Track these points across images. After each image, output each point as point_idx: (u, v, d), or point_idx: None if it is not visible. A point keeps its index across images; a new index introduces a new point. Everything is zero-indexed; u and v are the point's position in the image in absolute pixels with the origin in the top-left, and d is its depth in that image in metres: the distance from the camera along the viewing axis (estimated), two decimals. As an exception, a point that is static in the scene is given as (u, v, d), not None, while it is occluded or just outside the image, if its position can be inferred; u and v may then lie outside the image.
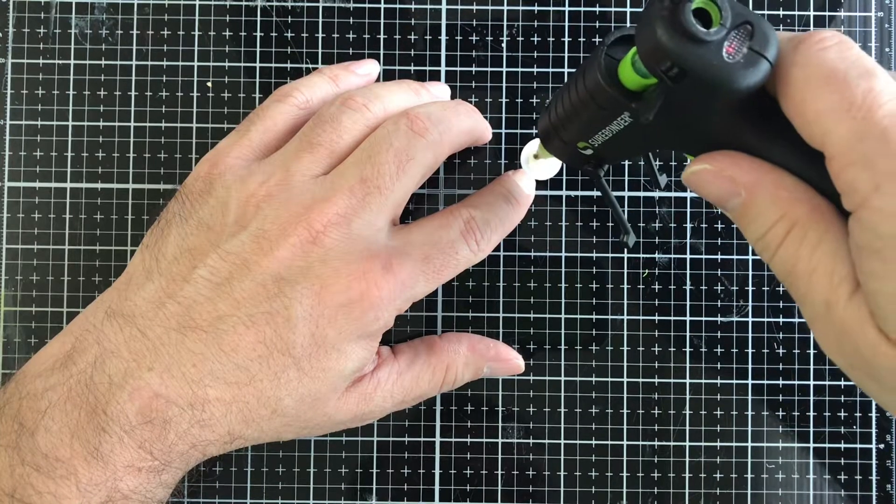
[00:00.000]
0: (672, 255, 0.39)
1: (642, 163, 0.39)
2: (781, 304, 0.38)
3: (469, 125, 0.35)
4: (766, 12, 0.39)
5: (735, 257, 0.38)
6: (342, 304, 0.30)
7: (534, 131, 0.39)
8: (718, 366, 0.38)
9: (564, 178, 0.39)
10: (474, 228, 0.34)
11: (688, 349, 0.38)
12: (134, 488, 0.30)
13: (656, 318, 0.39)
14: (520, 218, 0.36)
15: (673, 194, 0.39)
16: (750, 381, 0.38)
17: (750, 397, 0.38)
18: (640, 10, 0.39)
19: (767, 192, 0.23)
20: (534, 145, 0.38)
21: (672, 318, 0.39)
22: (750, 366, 0.38)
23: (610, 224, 0.39)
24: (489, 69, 0.39)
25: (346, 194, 0.30)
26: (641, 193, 0.39)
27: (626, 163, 0.39)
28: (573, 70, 0.39)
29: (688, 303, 0.39)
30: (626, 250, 0.39)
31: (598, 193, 0.39)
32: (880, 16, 0.39)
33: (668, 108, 0.23)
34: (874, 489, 0.38)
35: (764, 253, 0.23)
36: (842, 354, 0.22)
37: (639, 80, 0.23)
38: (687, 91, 0.21)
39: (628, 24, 0.39)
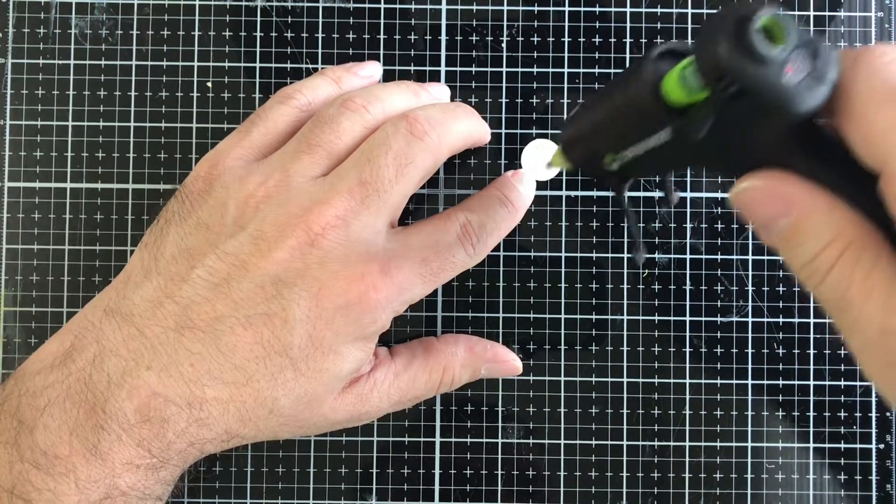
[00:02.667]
0: (672, 255, 0.39)
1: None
2: (781, 304, 0.38)
3: (468, 128, 0.35)
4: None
5: (735, 257, 0.38)
6: (340, 307, 0.30)
7: (532, 134, 0.39)
8: (718, 366, 0.38)
9: (564, 178, 0.39)
10: (471, 232, 0.34)
11: (688, 349, 0.38)
12: (132, 485, 0.30)
13: (656, 318, 0.39)
14: (517, 221, 0.36)
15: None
16: (750, 381, 0.38)
17: (750, 397, 0.38)
18: (640, 10, 0.39)
19: (821, 213, 0.21)
20: (535, 145, 0.38)
21: (672, 318, 0.39)
22: (750, 366, 0.38)
23: (610, 224, 0.38)
24: (489, 69, 0.39)
25: (345, 196, 0.30)
26: (641, 193, 0.38)
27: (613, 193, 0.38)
28: (573, 70, 0.39)
29: (688, 303, 0.39)
30: (626, 250, 0.38)
31: (619, 210, 0.38)
32: (880, 16, 0.39)
33: (716, 127, 0.22)
34: (874, 489, 0.38)
35: (811, 278, 0.22)
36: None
37: (684, 96, 0.22)
38: (742, 110, 0.21)
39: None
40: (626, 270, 0.39)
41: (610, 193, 0.38)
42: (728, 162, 0.24)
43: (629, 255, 0.38)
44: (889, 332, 0.20)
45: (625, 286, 0.39)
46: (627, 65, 0.39)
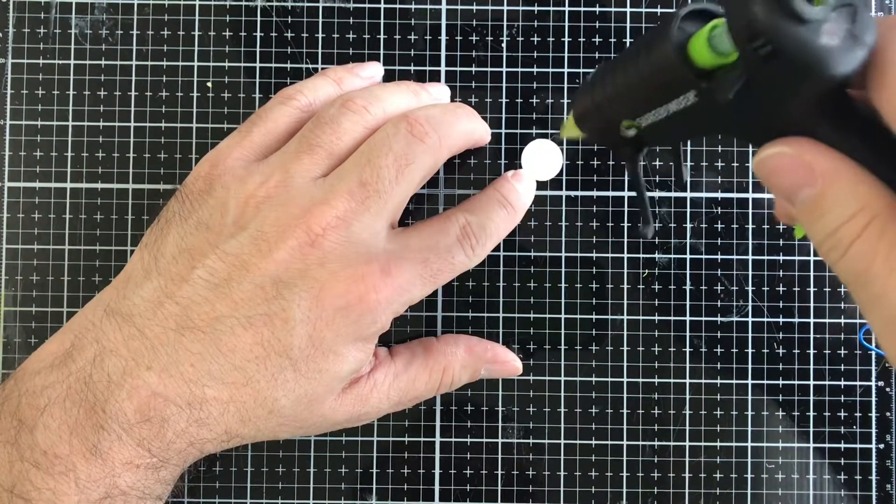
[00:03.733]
0: (672, 255, 0.39)
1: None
2: (781, 304, 0.38)
3: (468, 128, 0.35)
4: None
5: (735, 257, 0.38)
6: (340, 308, 0.30)
7: (532, 134, 0.39)
8: (718, 366, 0.38)
9: (564, 178, 0.39)
10: (470, 233, 0.34)
11: (688, 349, 0.38)
12: (132, 484, 0.30)
13: (656, 318, 0.39)
14: (516, 222, 0.36)
15: (673, 194, 0.38)
16: (750, 381, 0.38)
17: (750, 397, 0.38)
18: (640, 9, 0.39)
19: (847, 183, 0.21)
20: (535, 145, 0.38)
21: (672, 318, 0.39)
22: (750, 366, 0.38)
23: (610, 224, 0.38)
24: (489, 69, 0.39)
25: (346, 197, 0.30)
26: (648, 193, 0.38)
27: (625, 163, 0.38)
28: (573, 70, 0.39)
29: (688, 303, 0.39)
30: (625, 250, 0.38)
31: (628, 181, 0.38)
32: (880, 16, 0.39)
33: (743, 91, 0.21)
34: (874, 489, 0.38)
35: (833, 251, 0.21)
36: None
37: (712, 58, 0.22)
38: (772, 74, 0.20)
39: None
40: (626, 270, 0.39)
41: (610, 193, 0.38)
42: (752, 128, 0.23)
43: (640, 230, 0.38)
44: None
45: (625, 286, 0.39)
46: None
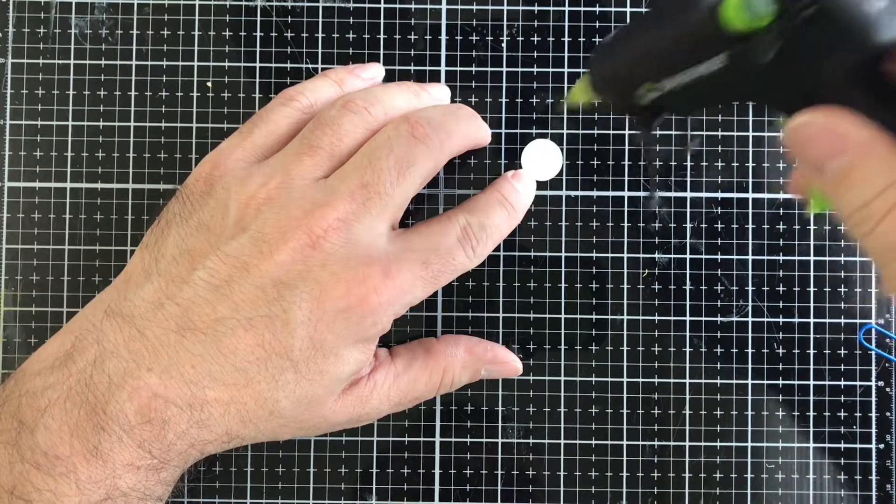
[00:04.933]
0: (672, 255, 0.39)
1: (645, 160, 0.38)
2: (781, 304, 0.38)
3: (469, 130, 0.35)
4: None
5: (735, 257, 0.38)
6: (341, 309, 0.30)
7: (532, 134, 0.39)
8: (718, 366, 0.38)
9: (564, 178, 0.39)
10: (471, 234, 0.34)
11: (688, 349, 0.38)
12: (133, 486, 0.30)
13: (656, 318, 0.39)
14: (517, 222, 0.36)
15: (673, 194, 0.38)
16: (750, 381, 0.38)
17: (750, 397, 0.38)
18: (640, 9, 0.39)
19: (881, 155, 0.20)
20: (535, 145, 0.38)
21: (672, 318, 0.39)
22: (750, 366, 0.38)
23: (610, 224, 0.38)
24: (489, 69, 0.39)
25: (347, 199, 0.30)
26: (641, 193, 0.38)
27: (627, 163, 0.38)
28: (573, 70, 0.39)
29: (688, 303, 0.39)
30: (625, 250, 0.38)
31: (643, 152, 0.38)
32: None
33: (780, 54, 0.21)
34: (874, 489, 0.38)
35: (862, 225, 0.21)
36: None
37: (746, 21, 0.21)
38: (815, 36, 0.20)
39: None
40: (626, 270, 0.39)
41: (610, 193, 0.38)
42: (783, 96, 0.23)
43: (649, 201, 0.38)
44: None
45: (625, 286, 0.39)
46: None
